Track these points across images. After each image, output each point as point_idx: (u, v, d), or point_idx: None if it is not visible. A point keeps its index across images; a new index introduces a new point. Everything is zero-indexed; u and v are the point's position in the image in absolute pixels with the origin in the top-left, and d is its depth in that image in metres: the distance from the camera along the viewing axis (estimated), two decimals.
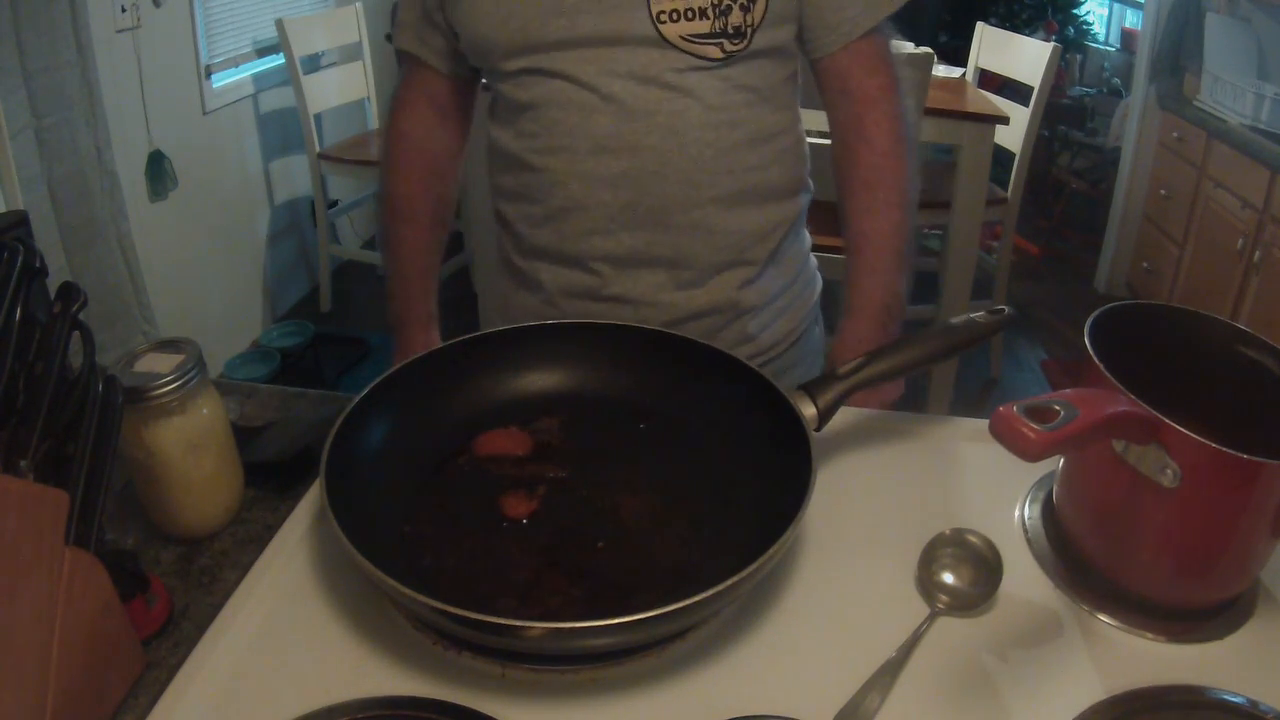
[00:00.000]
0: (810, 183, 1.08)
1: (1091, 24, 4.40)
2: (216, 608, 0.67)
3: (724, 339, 1.03)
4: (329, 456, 0.69)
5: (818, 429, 0.76)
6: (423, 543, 0.70)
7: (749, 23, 0.92)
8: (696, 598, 0.58)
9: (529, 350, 0.87)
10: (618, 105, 0.93)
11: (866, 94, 0.99)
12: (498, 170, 1.05)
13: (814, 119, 1.07)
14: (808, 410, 0.76)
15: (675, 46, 0.91)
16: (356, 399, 0.75)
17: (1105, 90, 4.22)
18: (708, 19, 0.91)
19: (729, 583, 0.59)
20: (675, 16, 0.90)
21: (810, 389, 0.77)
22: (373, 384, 0.77)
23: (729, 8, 0.91)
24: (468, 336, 0.86)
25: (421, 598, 0.58)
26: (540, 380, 0.87)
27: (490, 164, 1.07)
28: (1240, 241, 2.67)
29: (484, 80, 1.07)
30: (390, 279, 1.16)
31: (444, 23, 1.01)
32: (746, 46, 0.93)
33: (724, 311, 1.03)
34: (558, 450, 0.80)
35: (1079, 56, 4.34)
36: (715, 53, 0.92)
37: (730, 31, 0.92)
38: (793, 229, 1.07)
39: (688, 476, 0.78)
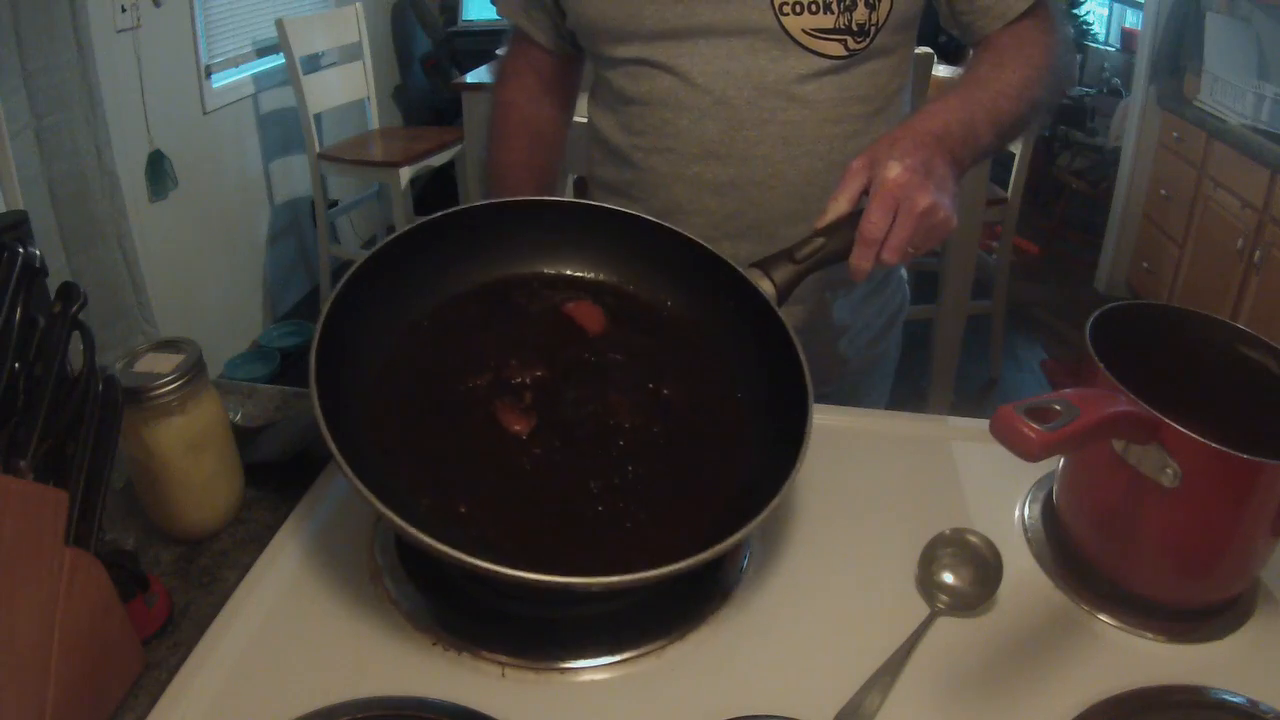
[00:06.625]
0: None
1: (1091, 24, 4.40)
2: (216, 608, 0.67)
3: (812, 357, 1.03)
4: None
5: (780, 303, 0.76)
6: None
7: (874, 20, 0.88)
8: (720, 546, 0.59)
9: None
10: (731, 110, 0.89)
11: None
12: (598, 160, 1.02)
13: None
14: (765, 286, 0.76)
15: (797, 42, 0.88)
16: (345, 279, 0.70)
17: (1105, 90, 4.21)
18: (832, 13, 0.87)
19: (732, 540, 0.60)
20: (798, 9, 0.86)
21: (764, 266, 0.77)
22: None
23: (854, 3, 0.87)
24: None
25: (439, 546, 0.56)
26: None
27: (590, 151, 1.04)
28: (1240, 241, 2.67)
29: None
30: None
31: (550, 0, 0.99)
32: (869, 45, 0.89)
33: (819, 331, 1.00)
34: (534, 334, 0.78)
35: (1079, 56, 4.34)
36: (838, 50, 0.88)
37: (855, 29, 0.88)
38: None
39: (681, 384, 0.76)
